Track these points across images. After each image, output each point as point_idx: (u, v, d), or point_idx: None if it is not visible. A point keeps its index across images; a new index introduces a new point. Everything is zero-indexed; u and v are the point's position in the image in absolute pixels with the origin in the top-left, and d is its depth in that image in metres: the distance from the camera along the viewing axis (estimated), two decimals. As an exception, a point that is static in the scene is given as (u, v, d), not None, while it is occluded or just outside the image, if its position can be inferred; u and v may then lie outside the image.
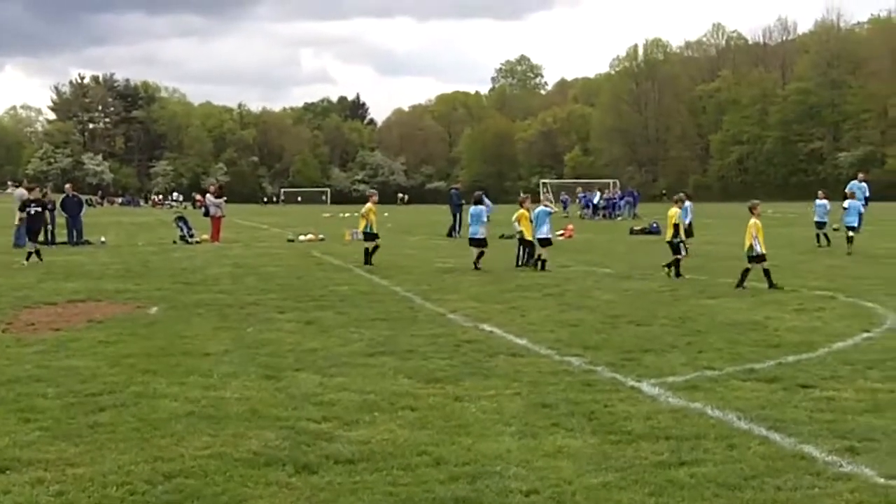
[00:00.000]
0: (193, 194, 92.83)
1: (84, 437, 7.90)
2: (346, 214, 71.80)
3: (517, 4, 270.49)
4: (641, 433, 7.99)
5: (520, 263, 24.08)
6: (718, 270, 22.62)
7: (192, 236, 35.71)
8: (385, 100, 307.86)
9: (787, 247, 30.05)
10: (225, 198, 39.64)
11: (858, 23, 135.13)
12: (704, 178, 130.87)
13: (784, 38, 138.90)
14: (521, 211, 24.55)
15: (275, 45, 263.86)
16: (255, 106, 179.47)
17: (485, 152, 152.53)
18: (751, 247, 19.01)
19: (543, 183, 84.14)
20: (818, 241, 30.42)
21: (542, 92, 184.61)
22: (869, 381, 9.93)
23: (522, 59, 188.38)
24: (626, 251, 30.11)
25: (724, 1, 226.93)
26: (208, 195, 38.26)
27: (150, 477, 6.85)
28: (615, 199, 64.70)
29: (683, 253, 21.72)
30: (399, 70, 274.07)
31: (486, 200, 42.39)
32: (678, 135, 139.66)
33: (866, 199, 38.78)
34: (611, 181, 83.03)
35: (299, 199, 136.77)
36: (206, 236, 36.10)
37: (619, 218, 60.21)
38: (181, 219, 37.16)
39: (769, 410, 8.73)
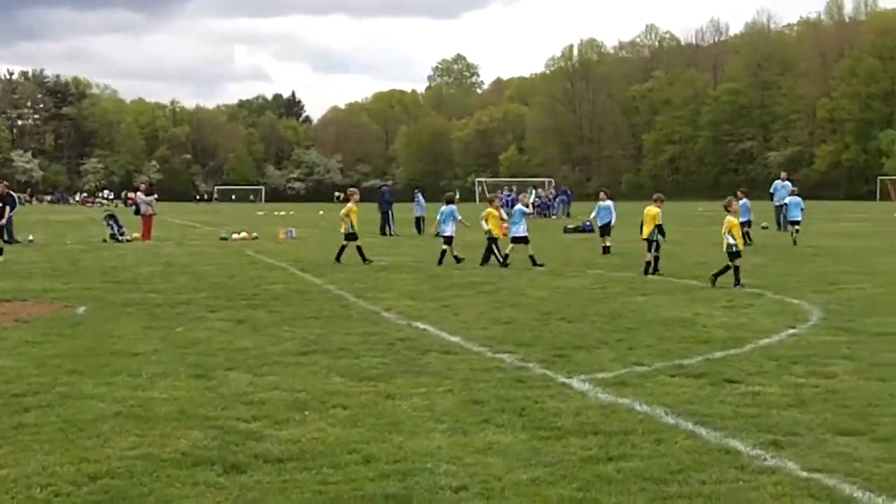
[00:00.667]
0: (124, 192, 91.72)
1: (8, 439, 7.78)
2: (281, 213, 71.51)
3: (452, 3, 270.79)
4: (571, 429, 8.04)
5: (484, 263, 24.11)
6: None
7: (122, 235, 35.30)
8: (321, 97, 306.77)
9: (717, 245, 30.34)
10: (156, 196, 39.27)
11: (788, 25, 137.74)
12: (637, 177, 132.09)
13: (716, 39, 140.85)
14: (490, 210, 24.74)
15: (208, 41, 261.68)
16: (188, 103, 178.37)
17: (421, 151, 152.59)
18: (729, 244, 19.21)
19: (479, 182, 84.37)
20: (743, 239, 30.80)
21: (479, 91, 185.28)
22: (793, 377, 10.09)
23: (459, 58, 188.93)
24: (560, 249, 30.27)
25: (658, 2, 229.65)
26: (139, 193, 37.89)
27: (74, 478, 6.75)
28: (549, 198, 65.02)
29: (657, 251, 22.01)
30: (335, 68, 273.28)
31: (420, 198, 42.66)
32: (612, 134, 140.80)
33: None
34: (545, 180, 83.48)
35: (233, 197, 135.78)
36: (136, 235, 35.73)
37: (554, 217, 60.58)
38: (111, 217, 36.73)
39: (696, 405, 8.84)
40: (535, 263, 23.36)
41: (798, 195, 34.56)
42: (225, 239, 36.92)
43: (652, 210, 22.38)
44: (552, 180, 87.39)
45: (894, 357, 11.17)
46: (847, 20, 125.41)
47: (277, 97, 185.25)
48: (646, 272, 21.32)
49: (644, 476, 6.75)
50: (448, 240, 25.26)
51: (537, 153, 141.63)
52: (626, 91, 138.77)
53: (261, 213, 75.75)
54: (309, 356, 11.49)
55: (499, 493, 6.46)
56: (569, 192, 68.42)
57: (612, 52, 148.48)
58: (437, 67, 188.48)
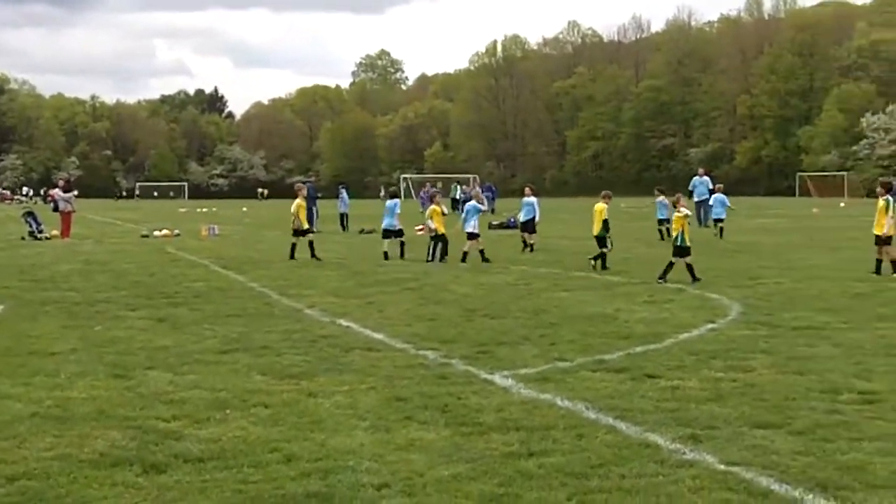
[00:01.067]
0: (44, 189, 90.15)
1: (-80, 441, 7.62)
2: (204, 209, 70.82)
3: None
4: (493, 425, 8.08)
5: (430, 259, 24.06)
6: (572, 264, 23.03)
7: (41, 232, 34.71)
8: (244, 93, 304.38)
9: (639, 240, 30.76)
10: (75, 192, 38.64)
11: (709, 22, 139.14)
12: (561, 173, 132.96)
13: (638, 36, 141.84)
14: (434, 207, 24.80)
15: (128, 35, 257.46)
16: (108, 98, 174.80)
17: (345, 147, 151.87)
18: (677, 238, 19.39)
19: (404, 178, 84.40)
20: (661, 236, 31.24)
21: (403, 87, 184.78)
22: (712, 371, 10.24)
23: (383, 54, 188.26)
24: (485, 246, 30.27)
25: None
26: (57, 190, 37.27)
27: (-10, 480, 6.65)
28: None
29: (609, 247, 22.35)
30: (256, 62, 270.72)
31: (344, 194, 42.48)
32: (536, 131, 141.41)
33: (710, 192, 40.20)
34: (471, 176, 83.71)
35: (155, 193, 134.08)
36: (55, 232, 35.12)
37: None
38: (30, 214, 36.11)
39: (617, 400, 8.93)
40: (484, 258, 23.86)
41: (724, 192, 35.16)
42: (146, 236, 36.47)
43: (599, 206, 22.93)
44: (477, 176, 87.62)
45: (811, 351, 11.39)
46: (766, 17, 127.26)
47: (199, 92, 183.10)
48: (593, 267, 21.71)
49: (565, 471, 6.80)
50: (397, 233, 25.68)
51: (462, 149, 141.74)
52: (550, 87, 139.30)
53: (183, 209, 74.91)
54: (230, 354, 11.40)
55: (420, 489, 6.47)
56: (493, 188, 68.56)
57: (535, 48, 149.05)
58: (361, 63, 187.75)
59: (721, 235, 31.17)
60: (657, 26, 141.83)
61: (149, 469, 6.91)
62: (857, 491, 6.39)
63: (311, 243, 24.98)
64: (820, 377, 9.87)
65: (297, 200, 25.67)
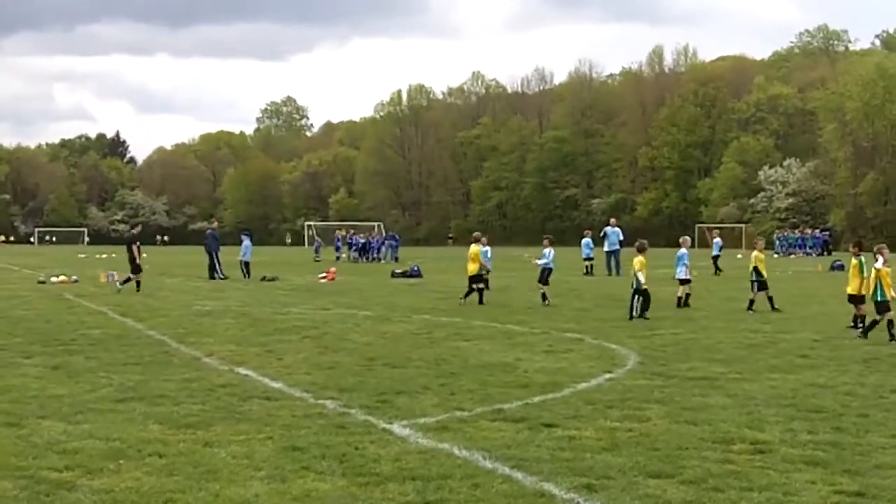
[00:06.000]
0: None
1: None
2: (104, 255, 69.63)
3: (278, 46, 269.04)
4: (389, 474, 8.10)
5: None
6: (474, 313, 23.18)
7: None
8: (146, 138, 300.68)
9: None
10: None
11: (611, 75, 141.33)
12: (466, 222, 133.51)
13: (541, 87, 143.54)
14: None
15: (27, 79, 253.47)
16: (7, 141, 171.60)
17: (249, 193, 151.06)
18: (638, 280, 21.87)
19: (309, 225, 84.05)
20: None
21: (308, 134, 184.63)
22: (609, 421, 10.38)
23: (288, 101, 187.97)
24: (387, 294, 30.37)
25: (484, 50, 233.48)
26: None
27: None
28: (372, 241, 65.25)
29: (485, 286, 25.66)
30: (158, 108, 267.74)
31: (247, 241, 42.15)
32: (440, 180, 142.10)
33: (620, 243, 40.94)
34: (375, 224, 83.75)
35: (53, 239, 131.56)
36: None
37: (382, 261, 60.81)
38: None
39: (514, 450, 9.00)
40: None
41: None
42: (43, 282, 35.73)
43: (474, 248, 25.86)
44: (381, 224, 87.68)
45: (704, 401, 11.60)
46: (667, 71, 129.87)
47: (101, 137, 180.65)
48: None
49: (460, 521, 6.84)
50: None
51: (367, 197, 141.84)
52: (455, 137, 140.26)
53: (82, 255, 73.56)
54: (126, 403, 11.24)
55: (315, 540, 6.45)
56: (397, 236, 68.76)
57: (440, 97, 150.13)
58: (265, 109, 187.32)
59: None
60: (560, 78, 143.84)
61: (38, 521, 6.80)
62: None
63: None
64: (713, 427, 10.07)
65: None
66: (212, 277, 38.26)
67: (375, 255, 62.85)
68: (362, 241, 64.03)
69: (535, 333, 18.95)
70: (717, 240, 45.18)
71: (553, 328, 19.63)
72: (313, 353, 15.96)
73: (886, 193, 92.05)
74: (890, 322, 17.48)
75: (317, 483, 7.86)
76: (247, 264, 40.38)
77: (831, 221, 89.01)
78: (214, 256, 38.98)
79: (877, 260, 18.19)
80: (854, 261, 19.98)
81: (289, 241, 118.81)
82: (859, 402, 11.49)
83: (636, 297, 22.18)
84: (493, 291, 29.08)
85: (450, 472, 8.17)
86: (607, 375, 13.61)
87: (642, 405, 11.25)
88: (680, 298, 24.89)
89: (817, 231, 76.17)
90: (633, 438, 9.55)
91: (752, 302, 23.67)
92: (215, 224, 48.29)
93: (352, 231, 69.41)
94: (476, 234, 28.27)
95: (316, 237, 76.53)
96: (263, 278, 37.62)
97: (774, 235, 77.77)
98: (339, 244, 65.91)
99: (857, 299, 19.56)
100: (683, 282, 25.34)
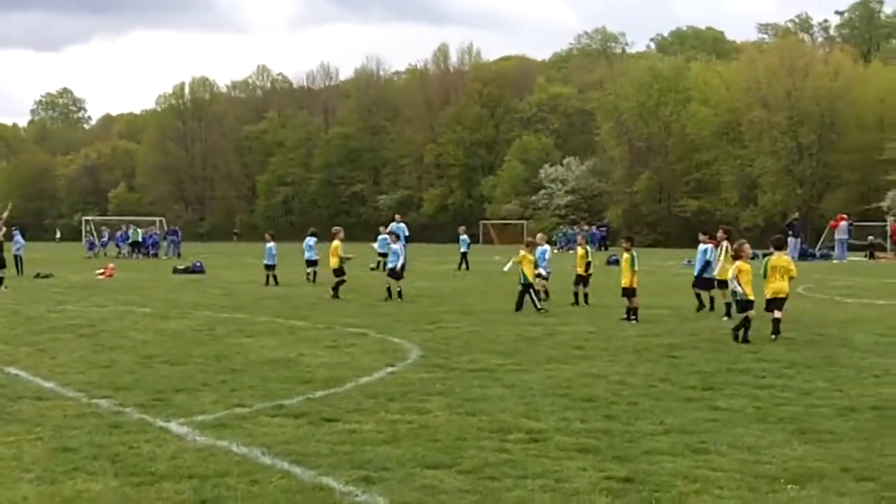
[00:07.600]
0: None
1: None
2: None
3: (53, 37, 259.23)
4: (165, 474, 7.91)
5: None
6: (257, 309, 22.95)
7: None
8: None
9: (326, 286, 30.95)
10: None
11: (397, 72, 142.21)
12: (251, 217, 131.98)
13: (326, 83, 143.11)
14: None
15: None
16: None
17: (23, 188, 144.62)
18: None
19: (86, 220, 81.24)
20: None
21: (86, 126, 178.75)
22: (389, 413, 10.43)
23: (65, 92, 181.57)
24: (168, 291, 29.69)
25: (270, 46, 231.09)
26: None
27: None
28: (147, 236, 63.90)
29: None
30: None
31: (19, 237, 40.45)
32: (225, 174, 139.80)
33: (406, 239, 41.21)
34: (157, 219, 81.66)
35: None
36: None
37: (164, 257, 59.51)
38: None
39: (293, 445, 8.94)
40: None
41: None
42: None
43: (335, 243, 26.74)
44: (163, 219, 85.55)
45: (484, 392, 11.81)
46: (452, 70, 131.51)
47: None
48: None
49: (236, 518, 6.75)
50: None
51: (148, 191, 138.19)
52: (240, 131, 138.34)
53: None
54: None
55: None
56: (178, 231, 67.30)
57: (224, 91, 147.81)
58: (40, 101, 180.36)
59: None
60: (346, 74, 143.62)
61: None
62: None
63: None
64: (491, 417, 10.25)
65: None
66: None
67: (152, 252, 61.47)
68: (131, 236, 62.72)
69: (319, 329, 18.88)
70: (464, 237, 46.44)
71: (337, 323, 19.63)
72: (88, 352, 15.45)
73: (660, 191, 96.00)
74: (747, 318, 16.82)
75: (88, 484, 7.61)
76: (20, 259, 38.78)
77: (608, 218, 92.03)
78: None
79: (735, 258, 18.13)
80: (626, 255, 20.76)
81: (58, 236, 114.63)
82: (630, 391, 11.91)
83: (527, 291, 22.73)
84: (281, 287, 28.92)
85: (227, 469, 8.04)
86: (390, 369, 13.69)
87: (423, 397, 11.36)
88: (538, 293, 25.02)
89: (594, 227, 78.56)
90: (413, 430, 9.63)
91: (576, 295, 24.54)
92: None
93: (125, 227, 67.55)
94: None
95: (90, 234, 74.00)
96: (38, 275, 36.25)
97: (556, 232, 79.74)
98: (114, 241, 64.81)
99: (629, 292, 20.34)
100: (539, 276, 25.48)
